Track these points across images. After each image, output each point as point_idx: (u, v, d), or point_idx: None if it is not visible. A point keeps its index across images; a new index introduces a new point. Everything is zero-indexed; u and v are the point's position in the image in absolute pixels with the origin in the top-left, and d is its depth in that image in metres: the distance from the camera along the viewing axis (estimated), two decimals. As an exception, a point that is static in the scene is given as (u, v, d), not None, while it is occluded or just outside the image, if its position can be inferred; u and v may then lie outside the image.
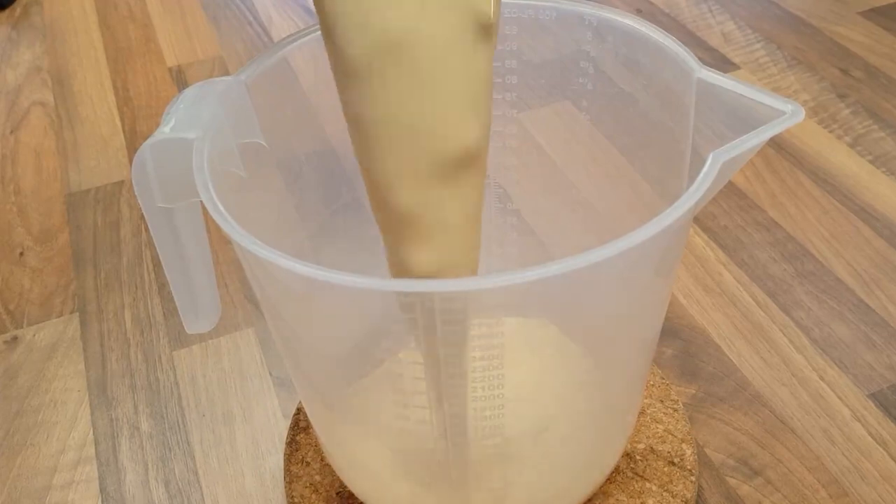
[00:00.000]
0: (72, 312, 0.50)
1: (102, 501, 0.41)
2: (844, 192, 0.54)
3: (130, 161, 0.59)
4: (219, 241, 0.53)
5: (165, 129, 0.29)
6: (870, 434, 0.40)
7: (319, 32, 0.28)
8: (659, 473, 0.37)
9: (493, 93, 0.27)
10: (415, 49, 0.25)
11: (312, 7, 0.28)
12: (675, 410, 0.40)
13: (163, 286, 0.51)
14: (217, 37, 0.76)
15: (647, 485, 0.37)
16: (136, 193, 0.30)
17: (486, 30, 0.25)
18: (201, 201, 0.27)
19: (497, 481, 0.32)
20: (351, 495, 0.37)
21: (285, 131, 0.35)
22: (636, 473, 0.37)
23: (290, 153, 0.36)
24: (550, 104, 0.37)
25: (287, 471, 0.39)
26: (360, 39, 0.25)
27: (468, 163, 0.26)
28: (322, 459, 0.39)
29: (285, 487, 0.38)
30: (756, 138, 0.27)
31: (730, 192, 0.55)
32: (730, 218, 0.53)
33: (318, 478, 0.38)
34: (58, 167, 0.62)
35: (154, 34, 0.77)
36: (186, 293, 0.34)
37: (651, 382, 0.41)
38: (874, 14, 0.71)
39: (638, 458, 0.38)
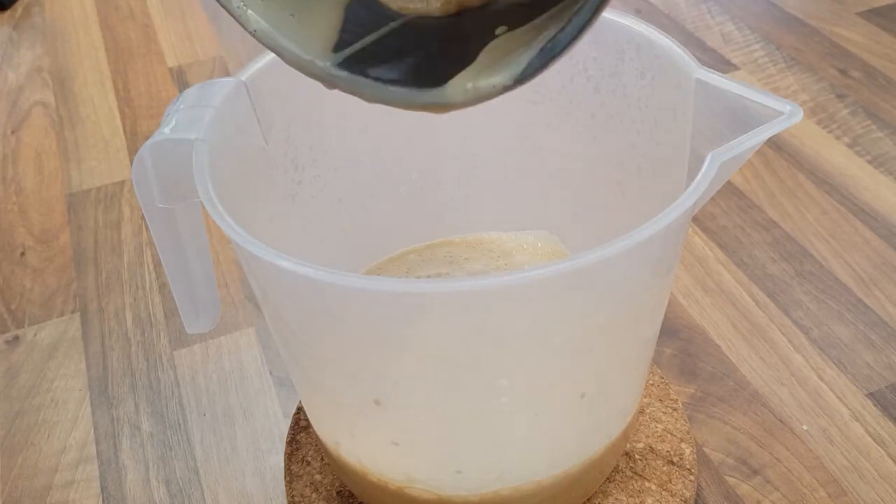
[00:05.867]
0: (73, 312, 0.50)
1: (103, 501, 0.41)
2: (843, 192, 0.54)
3: (131, 161, 0.59)
4: (219, 241, 0.53)
5: (166, 130, 0.29)
6: (868, 434, 0.41)
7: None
8: (658, 472, 0.37)
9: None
10: None
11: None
12: (675, 410, 0.40)
13: (164, 286, 0.51)
14: (217, 37, 0.76)
15: (647, 484, 0.37)
16: (136, 194, 0.30)
17: None
18: (201, 202, 0.28)
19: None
20: (351, 495, 0.38)
21: (285, 131, 0.35)
22: (635, 472, 0.38)
23: (289, 153, 0.36)
24: (549, 103, 0.37)
25: (287, 470, 0.39)
26: None
27: None
28: (322, 459, 0.39)
29: (286, 486, 0.39)
30: (754, 138, 0.27)
31: (729, 192, 0.55)
32: (729, 218, 0.53)
33: (318, 477, 0.38)
34: (59, 167, 0.62)
35: (155, 34, 0.77)
36: (186, 293, 0.34)
37: (650, 382, 0.41)
38: (873, 14, 0.71)
39: (637, 457, 0.38)
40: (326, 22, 0.26)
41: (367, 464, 0.33)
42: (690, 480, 0.37)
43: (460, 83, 0.24)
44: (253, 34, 0.26)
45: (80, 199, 0.59)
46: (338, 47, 0.26)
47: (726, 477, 0.39)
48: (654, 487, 0.37)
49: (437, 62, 0.25)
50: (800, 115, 0.27)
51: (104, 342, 0.48)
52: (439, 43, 0.25)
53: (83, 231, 0.56)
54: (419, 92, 0.25)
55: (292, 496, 0.38)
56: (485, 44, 0.24)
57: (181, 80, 0.71)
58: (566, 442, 0.33)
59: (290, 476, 0.39)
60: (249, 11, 0.26)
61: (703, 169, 0.26)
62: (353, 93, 0.26)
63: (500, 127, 0.39)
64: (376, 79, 0.25)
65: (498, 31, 0.24)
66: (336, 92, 0.31)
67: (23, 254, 0.55)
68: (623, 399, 0.34)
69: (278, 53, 0.27)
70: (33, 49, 0.76)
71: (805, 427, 0.41)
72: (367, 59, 0.26)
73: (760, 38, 0.69)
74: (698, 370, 0.44)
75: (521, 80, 0.22)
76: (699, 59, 0.30)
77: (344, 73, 0.26)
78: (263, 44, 0.26)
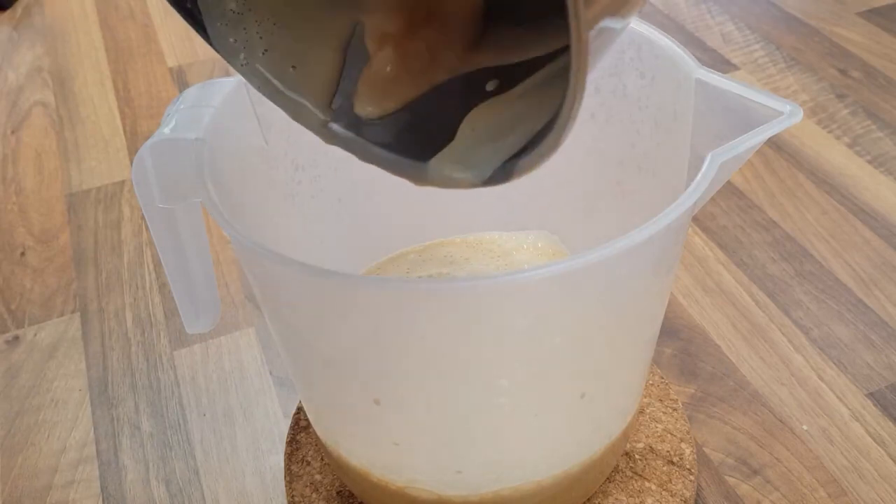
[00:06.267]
0: (73, 312, 0.50)
1: (103, 501, 0.41)
2: (843, 192, 0.54)
3: (131, 161, 0.60)
4: (219, 241, 0.53)
5: (166, 130, 0.29)
6: (868, 433, 0.41)
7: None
8: (658, 472, 0.37)
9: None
10: None
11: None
12: (675, 410, 0.40)
13: (164, 286, 0.51)
14: (217, 37, 0.76)
15: (647, 484, 0.37)
16: (136, 194, 0.30)
17: None
18: (201, 202, 0.28)
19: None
20: (351, 495, 0.38)
21: (285, 131, 0.35)
22: (635, 472, 0.38)
23: (290, 153, 0.36)
24: (550, 104, 0.37)
25: (287, 470, 0.39)
26: None
27: None
28: (322, 459, 0.39)
29: (286, 486, 0.39)
30: (754, 138, 0.27)
31: (729, 192, 0.55)
32: (729, 218, 0.53)
33: (318, 477, 0.38)
34: (59, 167, 0.62)
35: (155, 34, 0.77)
36: (186, 293, 0.34)
37: (650, 382, 0.41)
38: (873, 14, 0.71)
39: (637, 457, 0.38)
40: (326, 72, 0.27)
41: (367, 464, 0.33)
42: (690, 480, 0.37)
43: (439, 167, 0.25)
44: (257, 89, 0.27)
45: (80, 199, 0.59)
46: (335, 102, 0.27)
47: (726, 477, 0.39)
48: (654, 487, 0.37)
49: (425, 126, 0.26)
50: (800, 115, 0.27)
51: (104, 342, 0.48)
52: (433, 93, 0.26)
53: (83, 231, 0.56)
54: (405, 162, 0.26)
55: (292, 496, 0.38)
56: (471, 106, 0.25)
57: (181, 80, 0.71)
58: (566, 442, 0.33)
59: (290, 476, 0.39)
60: (257, 65, 0.27)
61: (703, 169, 0.26)
62: (347, 149, 0.27)
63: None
64: (369, 140, 0.26)
65: (489, 85, 0.25)
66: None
67: (23, 254, 0.55)
68: (623, 399, 0.34)
69: (282, 107, 0.27)
70: (33, 49, 0.76)
71: (805, 427, 0.41)
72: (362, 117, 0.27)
73: (760, 38, 0.69)
74: (698, 370, 0.44)
75: (487, 184, 0.24)
76: (699, 59, 0.30)
77: (340, 130, 0.27)
78: (267, 97, 0.27)
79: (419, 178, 0.26)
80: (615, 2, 0.19)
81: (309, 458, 0.39)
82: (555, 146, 0.21)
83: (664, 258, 0.29)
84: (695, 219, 0.52)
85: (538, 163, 0.22)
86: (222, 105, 0.31)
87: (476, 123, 0.25)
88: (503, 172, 0.23)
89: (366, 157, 0.27)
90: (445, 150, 0.25)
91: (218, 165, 0.29)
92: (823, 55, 0.67)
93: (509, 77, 0.25)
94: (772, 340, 0.45)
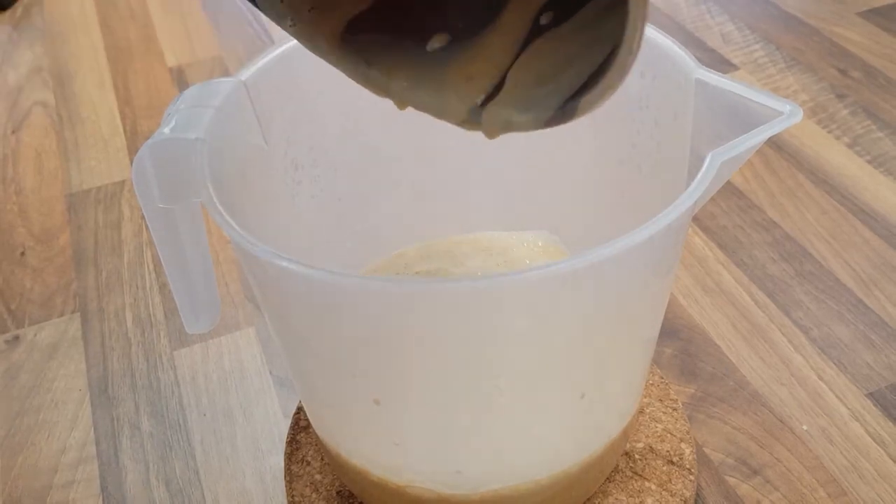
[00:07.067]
0: (73, 312, 0.50)
1: (103, 501, 0.41)
2: (843, 192, 0.54)
3: (131, 161, 0.60)
4: (219, 241, 0.53)
5: (166, 130, 0.29)
6: (868, 433, 0.41)
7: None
8: (658, 472, 0.37)
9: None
10: None
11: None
12: (675, 410, 0.40)
13: (164, 286, 0.51)
14: (217, 37, 0.76)
15: (647, 484, 0.37)
16: (136, 194, 0.30)
17: None
18: (201, 201, 0.28)
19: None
20: (351, 495, 0.38)
21: (285, 131, 0.35)
22: (635, 472, 0.38)
23: (290, 153, 0.36)
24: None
25: (287, 470, 0.39)
26: None
27: None
28: (322, 459, 0.39)
29: (286, 486, 0.39)
30: (754, 138, 0.27)
31: (729, 192, 0.55)
32: (729, 218, 0.53)
33: (318, 477, 0.38)
34: (59, 167, 0.62)
35: (154, 34, 0.77)
36: (186, 293, 0.34)
37: (650, 382, 0.41)
38: (873, 14, 0.71)
39: (637, 457, 0.38)
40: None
41: (367, 464, 0.33)
42: (690, 480, 0.37)
43: (495, 112, 0.24)
44: (310, 51, 0.26)
45: (80, 199, 0.59)
46: None
47: (726, 477, 0.39)
48: (653, 487, 0.37)
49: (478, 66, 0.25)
50: (800, 114, 0.27)
51: (104, 342, 0.48)
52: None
53: (83, 231, 0.56)
54: (456, 106, 0.25)
55: (292, 496, 0.38)
56: (526, 43, 0.24)
57: (181, 80, 0.71)
58: (566, 442, 0.33)
59: (290, 476, 0.39)
60: (304, 25, 0.26)
61: (703, 169, 0.26)
62: (403, 100, 0.26)
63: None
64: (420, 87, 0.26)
65: (543, 19, 0.24)
66: (335, 91, 0.31)
67: (23, 254, 0.55)
68: (623, 399, 0.34)
69: (338, 67, 0.26)
70: (33, 49, 0.76)
71: (805, 427, 0.41)
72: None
73: (760, 38, 0.69)
74: (698, 370, 0.44)
75: (549, 124, 0.23)
76: (699, 59, 0.30)
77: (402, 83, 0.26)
78: (322, 58, 0.26)
79: (471, 124, 0.25)
80: None
81: (309, 458, 0.39)
82: (620, 79, 0.20)
83: (664, 258, 0.29)
84: (695, 219, 0.52)
85: (602, 98, 0.21)
86: (222, 105, 0.31)
87: (530, 64, 0.24)
88: (564, 112, 0.23)
89: (418, 106, 0.26)
90: (501, 95, 0.24)
91: (218, 165, 0.29)
92: (823, 55, 0.67)
93: (562, 10, 0.24)
94: (772, 340, 0.45)
